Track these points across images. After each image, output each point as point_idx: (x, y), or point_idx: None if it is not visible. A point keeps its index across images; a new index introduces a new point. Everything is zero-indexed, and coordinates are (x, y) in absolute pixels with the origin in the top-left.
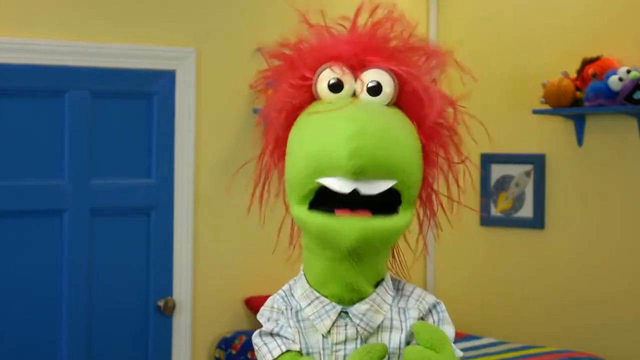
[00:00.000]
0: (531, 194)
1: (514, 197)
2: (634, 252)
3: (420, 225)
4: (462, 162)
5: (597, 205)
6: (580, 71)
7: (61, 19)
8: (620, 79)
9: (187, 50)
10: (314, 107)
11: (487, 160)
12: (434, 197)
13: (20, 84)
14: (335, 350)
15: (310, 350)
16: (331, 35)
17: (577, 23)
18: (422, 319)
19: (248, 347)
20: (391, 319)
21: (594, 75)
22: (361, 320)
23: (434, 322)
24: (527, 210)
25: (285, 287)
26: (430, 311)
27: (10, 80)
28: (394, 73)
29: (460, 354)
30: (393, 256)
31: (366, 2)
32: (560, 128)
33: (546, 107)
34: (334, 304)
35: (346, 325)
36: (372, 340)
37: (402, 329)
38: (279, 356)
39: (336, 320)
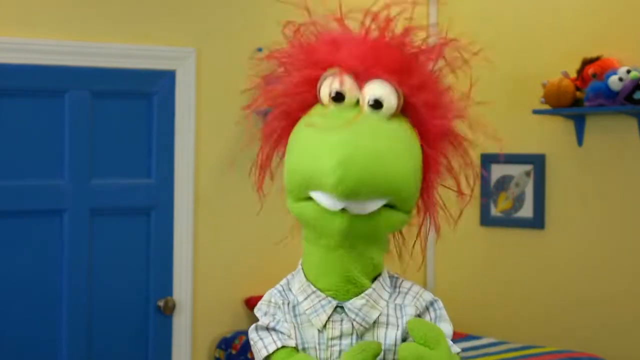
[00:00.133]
0: (531, 194)
1: (514, 197)
2: (634, 252)
3: (420, 228)
4: (468, 167)
5: (597, 205)
6: (580, 71)
7: (61, 19)
8: (620, 79)
9: (187, 50)
10: (313, 116)
11: (487, 160)
12: (436, 200)
13: (20, 84)
14: (330, 345)
15: (306, 346)
16: (341, 37)
17: (577, 23)
18: (419, 316)
19: (248, 347)
20: (387, 315)
21: (594, 75)
22: (357, 315)
23: (431, 319)
24: (527, 210)
25: (283, 281)
26: (427, 308)
27: (10, 80)
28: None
29: (457, 349)
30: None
31: (375, 4)
32: (560, 128)
33: (546, 107)
34: (329, 298)
35: (342, 320)
36: (368, 335)
37: (398, 326)
38: (274, 352)
39: (332, 315)
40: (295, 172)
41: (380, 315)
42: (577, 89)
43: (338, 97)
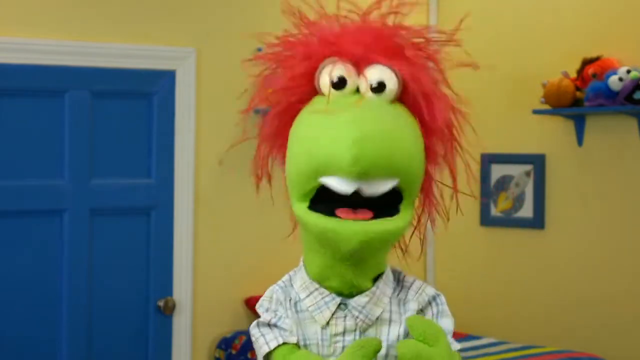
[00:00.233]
0: (531, 194)
1: (514, 197)
2: (634, 252)
3: (419, 219)
4: (464, 158)
5: (597, 205)
6: (580, 71)
7: (61, 19)
8: (620, 79)
9: (187, 50)
10: (316, 105)
11: (487, 160)
12: (434, 191)
13: (20, 84)
14: (334, 341)
15: (308, 342)
16: (337, 28)
17: (577, 23)
18: (421, 311)
19: (248, 347)
20: (390, 312)
21: (594, 75)
22: (360, 312)
23: (432, 314)
24: (527, 210)
25: (285, 277)
26: (429, 303)
27: (10, 80)
28: (397, 70)
29: (458, 346)
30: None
31: None
32: (560, 128)
33: (546, 107)
34: (333, 295)
35: (345, 317)
36: (371, 332)
37: (401, 322)
38: (275, 348)
39: (335, 311)
40: (304, 159)
41: (383, 311)
42: (577, 89)
43: (340, 83)
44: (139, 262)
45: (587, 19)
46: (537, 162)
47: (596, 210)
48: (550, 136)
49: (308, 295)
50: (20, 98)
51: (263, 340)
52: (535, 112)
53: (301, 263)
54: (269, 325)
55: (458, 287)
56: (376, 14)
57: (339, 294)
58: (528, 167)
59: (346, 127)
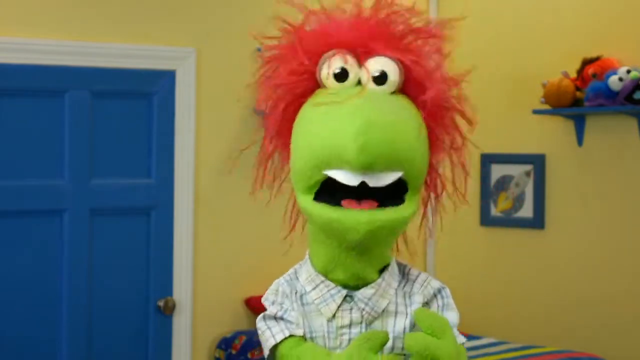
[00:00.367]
0: (531, 194)
1: (514, 197)
2: (634, 252)
3: (425, 208)
4: (464, 143)
5: (597, 205)
6: (580, 71)
7: (61, 19)
8: (620, 79)
9: (187, 50)
10: (318, 97)
11: (487, 160)
12: (439, 180)
13: (20, 84)
14: (340, 334)
15: (314, 335)
16: (334, 20)
17: (577, 23)
18: (426, 303)
19: (248, 347)
20: (396, 304)
21: (594, 75)
22: (366, 304)
23: (438, 307)
24: (527, 210)
25: (291, 271)
26: (435, 296)
27: (10, 80)
28: (399, 60)
29: (463, 339)
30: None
31: None
32: (560, 128)
33: (546, 107)
34: (339, 288)
35: (351, 309)
36: (377, 324)
37: (406, 314)
38: (282, 341)
39: (341, 304)
40: (308, 153)
41: (389, 304)
42: (577, 89)
43: (341, 75)
44: (139, 262)
45: (587, 19)
46: (537, 162)
47: (596, 210)
48: (550, 136)
49: (314, 288)
50: (20, 98)
51: (269, 333)
52: (535, 112)
53: (307, 256)
54: (275, 318)
55: (458, 287)
56: (373, 3)
57: (345, 286)
58: (528, 167)
59: (349, 118)
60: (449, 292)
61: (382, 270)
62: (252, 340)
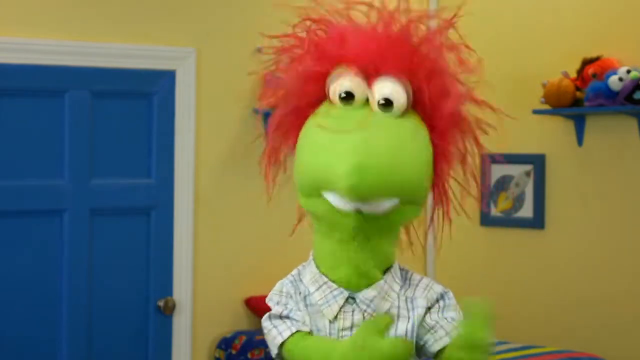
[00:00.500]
0: (531, 194)
1: (514, 197)
2: (634, 252)
3: (432, 219)
4: (481, 154)
5: (597, 205)
6: (580, 71)
7: (61, 19)
8: (620, 79)
9: (187, 50)
10: (323, 117)
11: (492, 160)
12: (448, 190)
13: (20, 84)
14: (342, 335)
15: (319, 334)
16: (348, 29)
17: (577, 23)
18: (429, 308)
19: (248, 347)
20: (398, 308)
21: (594, 75)
22: (368, 306)
23: (439, 308)
24: (527, 210)
25: (294, 272)
26: (437, 300)
27: (10, 80)
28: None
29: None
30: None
31: None
32: (560, 128)
33: (546, 107)
34: (341, 289)
35: (353, 311)
36: None
37: (408, 318)
38: (289, 337)
39: (343, 305)
40: (307, 173)
41: (390, 307)
42: (577, 89)
43: (348, 97)
44: (139, 262)
45: (587, 19)
46: (537, 162)
47: (596, 210)
48: (550, 136)
49: (317, 289)
50: (20, 98)
51: (276, 332)
52: (535, 112)
53: (310, 257)
54: (280, 317)
55: (458, 287)
56: (382, 17)
57: (348, 287)
58: (528, 167)
59: (347, 154)
60: (452, 295)
61: (384, 273)
62: (252, 340)
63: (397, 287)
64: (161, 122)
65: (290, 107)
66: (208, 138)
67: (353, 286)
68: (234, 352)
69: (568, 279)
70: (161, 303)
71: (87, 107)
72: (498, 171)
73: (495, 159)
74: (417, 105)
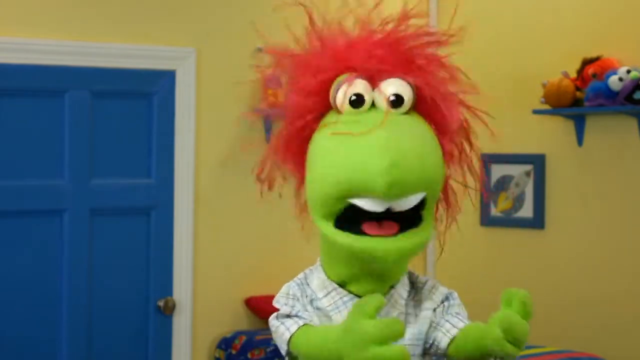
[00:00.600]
0: (531, 194)
1: (514, 197)
2: (634, 252)
3: (436, 219)
4: (479, 158)
5: (597, 205)
6: (580, 71)
7: (61, 19)
8: (620, 79)
9: (187, 50)
10: (335, 124)
11: (487, 160)
12: (449, 192)
13: (20, 84)
14: None
15: None
16: (345, 40)
17: (577, 23)
18: (434, 310)
19: (248, 347)
20: (406, 314)
21: (594, 75)
22: (377, 314)
23: (444, 307)
24: (527, 210)
25: (301, 275)
26: (442, 302)
27: (10, 80)
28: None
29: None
30: None
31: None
32: (560, 128)
33: (546, 107)
34: (352, 295)
35: None
36: None
37: (416, 323)
38: (296, 331)
39: None
40: (332, 183)
41: (399, 313)
42: (577, 89)
43: (358, 99)
44: (139, 262)
45: (587, 19)
46: (537, 162)
47: (596, 210)
48: (550, 136)
49: (326, 295)
50: (20, 98)
51: (284, 327)
52: (535, 112)
53: (318, 263)
54: (288, 316)
55: (458, 287)
56: (382, 23)
57: (357, 295)
58: (528, 167)
59: (378, 153)
60: (457, 295)
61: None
62: (252, 340)
63: (405, 294)
64: (161, 122)
65: (295, 127)
66: (208, 138)
67: (363, 294)
68: (234, 352)
69: (568, 279)
70: (161, 303)
71: (87, 107)
72: (498, 171)
73: (490, 160)
74: (419, 108)
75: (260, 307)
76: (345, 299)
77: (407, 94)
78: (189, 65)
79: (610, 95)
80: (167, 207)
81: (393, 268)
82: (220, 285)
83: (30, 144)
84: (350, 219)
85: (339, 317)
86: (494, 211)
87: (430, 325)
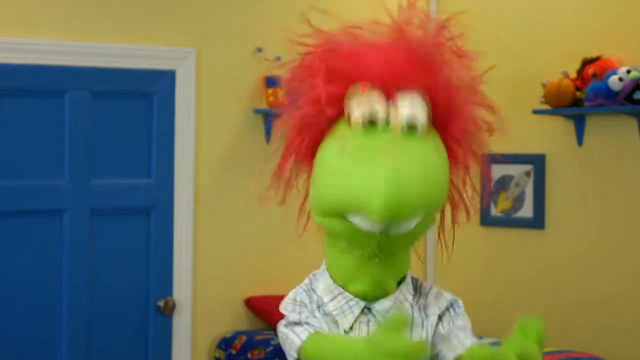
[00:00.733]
0: (531, 194)
1: (514, 197)
2: (634, 252)
3: (443, 222)
4: (486, 158)
5: (597, 205)
6: (580, 71)
7: (61, 19)
8: (620, 79)
9: (187, 50)
10: (346, 140)
11: (487, 160)
12: (455, 194)
13: (20, 84)
14: None
15: None
16: (361, 47)
17: (577, 23)
18: (440, 316)
19: (248, 347)
20: (412, 317)
21: (594, 75)
22: (384, 317)
23: (451, 316)
24: (527, 210)
25: (306, 281)
26: (447, 309)
27: (10, 80)
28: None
29: (475, 340)
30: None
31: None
32: (560, 128)
33: (546, 107)
34: (357, 299)
35: (368, 321)
36: None
37: (423, 326)
38: (307, 338)
39: (359, 316)
40: (331, 196)
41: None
42: (577, 89)
43: (370, 122)
44: (139, 262)
45: (587, 19)
46: (537, 162)
47: (596, 210)
48: (550, 136)
49: (332, 300)
50: (20, 98)
51: (293, 335)
52: (535, 112)
53: (323, 267)
54: (296, 323)
55: (458, 287)
56: (393, 31)
57: (363, 298)
58: (528, 167)
59: (379, 186)
60: (461, 303)
61: (398, 283)
62: (252, 340)
63: (410, 297)
64: (161, 122)
65: (307, 138)
66: (208, 138)
67: (369, 297)
68: (234, 352)
69: (568, 279)
70: (161, 303)
71: (87, 107)
72: (498, 171)
73: (496, 158)
74: (434, 115)
75: (260, 307)
76: (351, 303)
77: (421, 116)
78: (189, 65)
79: (610, 95)
80: (167, 207)
81: (394, 254)
82: (220, 285)
83: (30, 144)
84: None
85: (345, 321)
86: (494, 211)
87: (435, 332)
